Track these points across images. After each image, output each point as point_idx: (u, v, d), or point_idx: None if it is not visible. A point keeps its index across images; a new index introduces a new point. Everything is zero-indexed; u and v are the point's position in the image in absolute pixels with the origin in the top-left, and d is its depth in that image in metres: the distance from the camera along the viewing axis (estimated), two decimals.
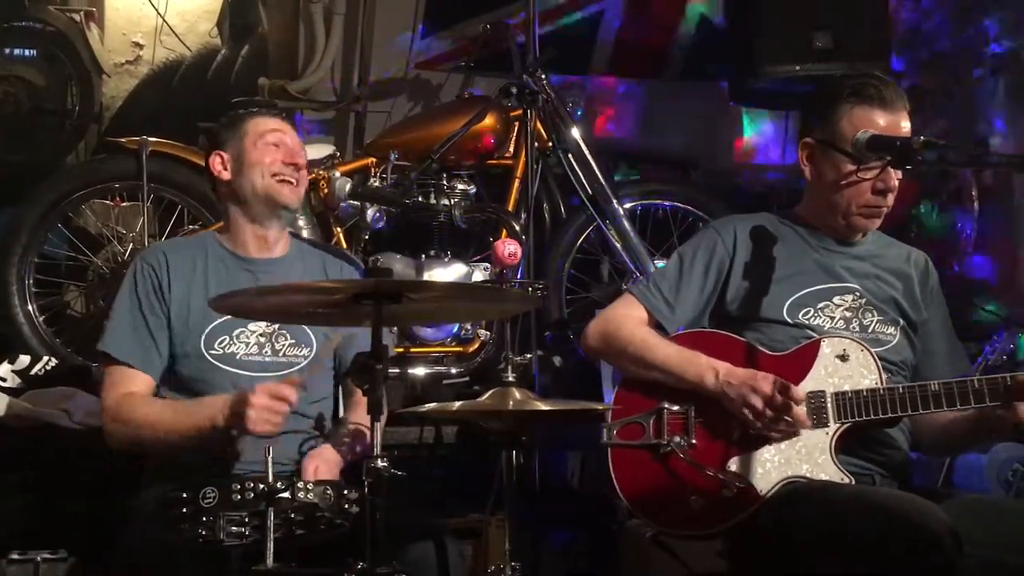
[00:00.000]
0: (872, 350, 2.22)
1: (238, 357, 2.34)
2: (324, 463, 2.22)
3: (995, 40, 4.24)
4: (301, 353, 2.39)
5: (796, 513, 2.07)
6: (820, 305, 2.29)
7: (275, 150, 2.43)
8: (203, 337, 2.34)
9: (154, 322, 2.34)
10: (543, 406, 2.01)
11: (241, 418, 2.09)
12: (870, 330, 2.29)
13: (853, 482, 2.14)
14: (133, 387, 2.30)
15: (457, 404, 2.10)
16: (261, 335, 2.36)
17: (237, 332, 2.35)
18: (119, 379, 2.32)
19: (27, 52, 4.35)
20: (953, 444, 2.47)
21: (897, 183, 2.25)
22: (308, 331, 2.40)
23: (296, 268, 2.46)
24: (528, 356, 2.85)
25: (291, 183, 2.42)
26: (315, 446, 2.32)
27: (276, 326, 2.37)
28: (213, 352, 2.34)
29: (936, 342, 2.39)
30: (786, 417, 2.14)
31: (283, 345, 2.38)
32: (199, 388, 2.32)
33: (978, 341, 3.49)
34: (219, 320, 2.34)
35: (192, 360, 2.33)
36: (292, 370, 2.36)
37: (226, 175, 2.46)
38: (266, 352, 2.36)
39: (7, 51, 4.35)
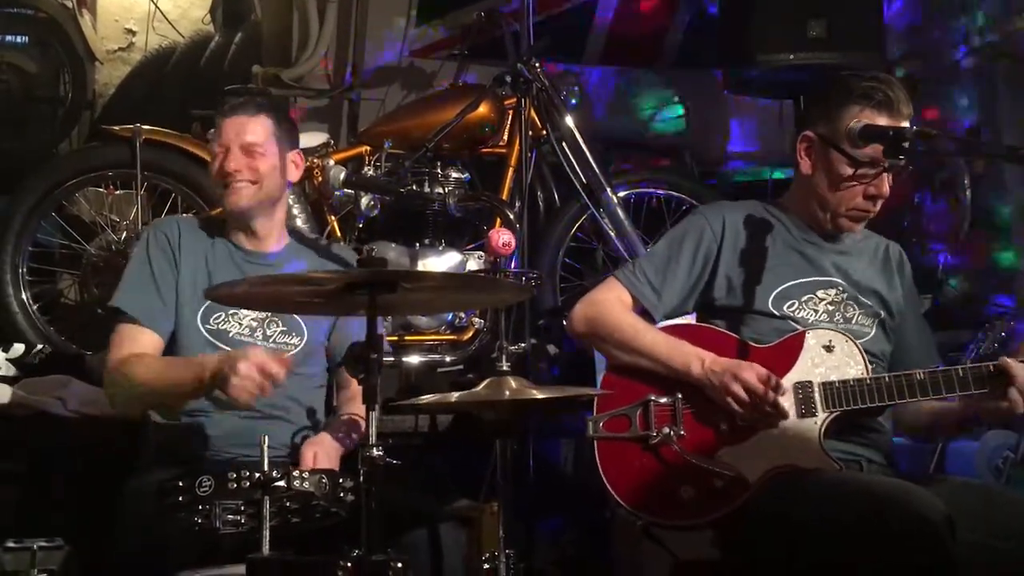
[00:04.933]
0: (857, 341, 2.24)
1: (231, 335, 2.38)
2: (323, 451, 2.23)
3: (987, 29, 4.25)
4: (292, 341, 2.42)
5: (788, 500, 2.09)
6: (804, 298, 2.31)
7: (220, 156, 2.42)
8: (200, 312, 2.37)
9: (164, 283, 2.38)
10: (539, 394, 2.02)
11: (225, 380, 2.10)
12: (853, 322, 2.31)
13: (843, 469, 2.16)
14: (138, 347, 2.32)
15: (455, 395, 2.11)
16: (254, 319, 2.40)
17: (232, 311, 2.38)
18: (125, 338, 2.34)
19: (19, 39, 4.32)
20: (941, 432, 2.49)
21: (888, 190, 2.26)
22: (299, 320, 2.43)
23: (290, 264, 2.47)
24: (522, 345, 2.86)
25: (228, 190, 2.40)
26: (309, 435, 2.34)
27: (268, 313, 2.39)
28: (208, 327, 2.37)
29: (909, 334, 2.41)
30: (768, 407, 2.15)
31: (274, 331, 2.41)
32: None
33: (971, 329, 3.51)
34: None
35: (186, 332, 2.36)
36: None
37: None
38: (257, 336, 2.39)
39: None
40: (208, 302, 2.36)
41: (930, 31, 4.53)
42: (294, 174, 2.52)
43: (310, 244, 2.62)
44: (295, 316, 2.42)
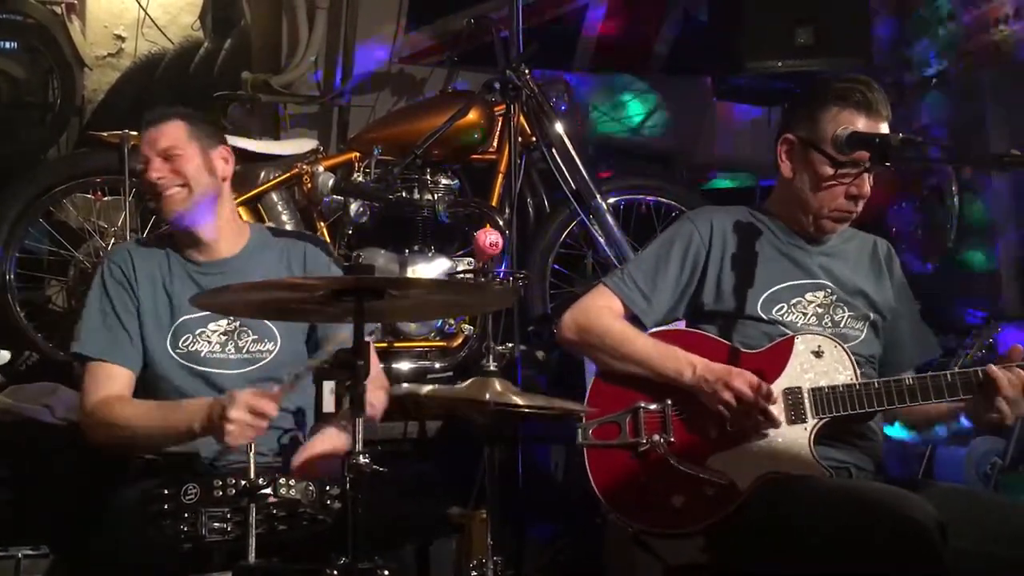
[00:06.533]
0: (846, 346, 2.24)
1: (203, 355, 2.35)
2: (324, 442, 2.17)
3: (973, 37, 4.27)
4: (265, 348, 2.39)
5: (779, 507, 2.08)
6: (793, 301, 2.31)
7: (143, 170, 2.40)
8: (168, 337, 2.35)
9: (126, 315, 2.35)
10: (520, 400, 2.01)
11: (219, 430, 2.08)
12: (842, 325, 2.31)
13: (832, 476, 2.16)
14: (112, 387, 2.30)
15: (427, 388, 2.07)
16: (223, 333, 2.37)
17: (199, 331, 2.36)
18: (97, 379, 2.32)
19: (7, 45, 4.31)
20: (937, 421, 2.48)
21: (869, 190, 2.27)
22: (271, 325, 2.39)
23: (249, 266, 2.42)
24: (510, 345, 2.85)
25: (160, 199, 2.37)
26: (297, 437, 2.33)
27: (237, 323, 2.37)
28: (179, 351, 2.35)
29: (903, 331, 2.41)
30: (759, 416, 2.15)
31: (246, 341, 2.38)
32: (166, 388, 2.33)
33: (957, 334, 3.52)
34: (181, 319, 2.35)
35: (159, 360, 2.34)
36: (257, 366, 2.37)
37: None
38: (229, 349, 2.37)
39: None
40: (174, 327, 2.35)
41: (917, 38, 4.56)
42: (226, 170, 2.46)
43: (275, 238, 2.54)
44: (266, 322, 2.39)
